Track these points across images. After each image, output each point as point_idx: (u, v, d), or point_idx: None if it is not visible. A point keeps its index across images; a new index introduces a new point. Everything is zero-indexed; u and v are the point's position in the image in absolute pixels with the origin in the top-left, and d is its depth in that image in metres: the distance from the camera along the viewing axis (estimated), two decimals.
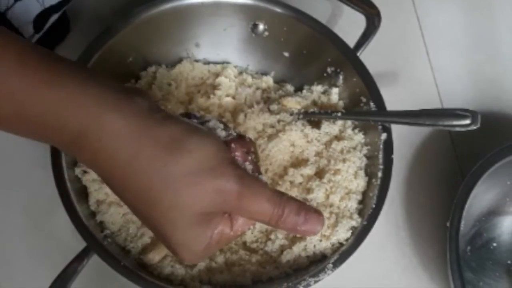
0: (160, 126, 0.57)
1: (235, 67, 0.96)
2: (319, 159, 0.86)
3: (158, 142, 0.57)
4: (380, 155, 0.83)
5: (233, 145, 0.64)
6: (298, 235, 0.81)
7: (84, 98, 0.55)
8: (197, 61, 0.96)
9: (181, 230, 0.59)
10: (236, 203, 0.59)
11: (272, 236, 0.82)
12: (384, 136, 0.83)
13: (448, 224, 0.85)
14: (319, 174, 0.86)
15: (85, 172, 0.80)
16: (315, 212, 0.63)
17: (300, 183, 0.85)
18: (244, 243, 0.83)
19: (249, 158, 0.65)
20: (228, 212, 0.62)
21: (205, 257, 0.64)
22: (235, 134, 0.66)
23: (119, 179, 0.59)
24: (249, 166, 0.64)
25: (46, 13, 0.87)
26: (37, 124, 0.56)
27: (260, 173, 0.66)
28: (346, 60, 0.88)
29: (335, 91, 0.92)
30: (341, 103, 0.92)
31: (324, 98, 0.92)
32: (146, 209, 0.59)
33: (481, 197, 0.93)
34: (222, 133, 0.65)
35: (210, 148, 0.58)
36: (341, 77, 0.90)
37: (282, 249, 0.82)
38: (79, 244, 0.74)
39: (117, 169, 0.58)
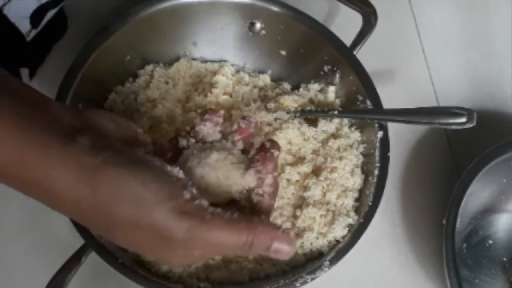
0: (100, 170, 0.55)
1: (232, 65, 0.97)
2: (316, 157, 0.87)
3: (97, 187, 0.55)
4: (377, 153, 0.84)
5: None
6: (301, 225, 0.82)
7: (22, 142, 0.53)
8: (194, 59, 0.96)
9: (153, 254, 0.60)
10: (191, 250, 0.58)
11: None
12: (380, 134, 0.84)
13: (444, 222, 0.85)
14: (316, 172, 0.86)
15: None
16: (286, 242, 0.61)
17: (297, 181, 0.85)
18: None
19: (275, 174, 0.66)
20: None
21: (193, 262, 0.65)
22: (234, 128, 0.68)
23: (76, 218, 0.59)
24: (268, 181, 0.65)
25: (43, 8, 0.88)
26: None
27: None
28: (342, 59, 0.89)
29: (331, 89, 0.92)
30: (337, 101, 0.92)
31: (320, 96, 0.93)
32: (115, 241, 0.59)
33: (477, 194, 0.93)
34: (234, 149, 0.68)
35: (154, 194, 0.56)
36: (337, 75, 0.91)
37: None
38: (78, 241, 0.74)
39: (65, 210, 0.57)
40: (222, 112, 0.74)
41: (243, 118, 0.71)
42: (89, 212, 0.56)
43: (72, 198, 0.55)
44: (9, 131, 0.53)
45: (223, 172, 0.65)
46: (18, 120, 0.54)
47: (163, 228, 0.56)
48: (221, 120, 0.71)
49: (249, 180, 0.66)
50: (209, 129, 0.69)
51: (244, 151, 0.70)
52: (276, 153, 0.68)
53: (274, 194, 0.67)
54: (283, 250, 0.61)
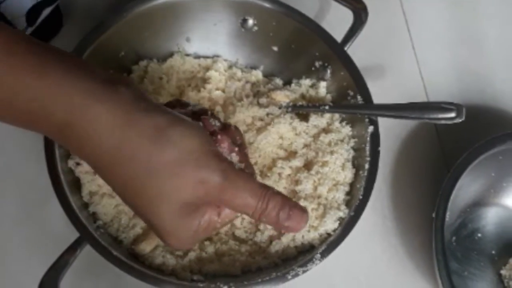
0: (144, 116, 0.57)
1: (225, 61, 0.97)
2: (307, 151, 0.87)
3: (142, 133, 0.56)
4: (367, 147, 0.84)
5: (219, 137, 0.64)
6: (282, 231, 0.82)
7: (69, 87, 0.55)
8: (187, 55, 0.96)
9: (167, 219, 0.59)
10: (219, 196, 0.59)
11: (261, 227, 0.83)
12: (371, 128, 0.84)
13: (433, 215, 0.86)
14: (307, 166, 0.87)
15: (78, 164, 0.80)
16: (300, 209, 0.62)
17: (289, 175, 0.86)
18: (234, 233, 0.84)
19: (235, 149, 0.65)
20: (212, 203, 0.61)
21: (193, 244, 0.64)
22: (219, 124, 0.67)
23: (105, 169, 0.59)
24: (235, 158, 0.64)
25: (39, 6, 0.88)
26: (23, 113, 0.56)
27: (248, 162, 0.67)
28: (333, 55, 0.89)
29: (323, 84, 0.93)
30: (328, 96, 0.93)
31: (312, 92, 0.93)
32: (133, 198, 0.60)
33: (466, 188, 0.93)
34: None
35: (194, 140, 0.58)
36: (328, 71, 0.91)
37: (271, 239, 0.82)
38: (72, 234, 0.74)
39: (102, 158, 0.58)
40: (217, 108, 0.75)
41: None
42: (127, 160, 0.57)
43: (113, 144, 0.56)
44: (54, 78, 0.55)
45: None
46: (63, 67, 0.56)
47: (205, 166, 0.58)
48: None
49: None
50: None
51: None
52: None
53: (248, 167, 0.67)
54: (295, 217, 0.62)
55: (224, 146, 0.64)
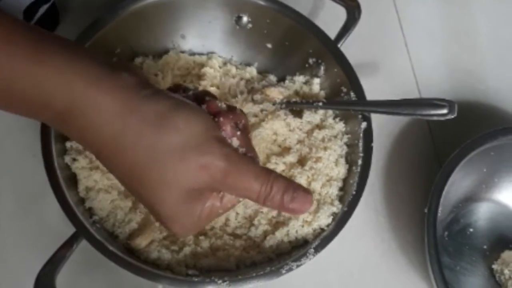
0: (146, 102, 0.57)
1: (220, 58, 0.97)
2: (301, 147, 0.88)
3: (144, 119, 0.57)
4: (360, 143, 0.84)
5: (221, 119, 0.63)
6: (287, 214, 0.83)
7: (69, 74, 0.55)
8: (183, 52, 0.96)
9: (170, 205, 0.59)
10: (223, 180, 0.59)
11: (256, 222, 0.83)
12: (364, 125, 0.85)
13: (426, 210, 0.86)
14: (301, 161, 0.87)
15: (74, 159, 0.80)
16: (304, 190, 0.63)
17: (283, 171, 0.86)
18: (228, 228, 0.84)
19: (237, 133, 0.64)
20: (215, 189, 0.61)
21: (196, 230, 0.64)
22: (224, 106, 0.66)
23: (107, 155, 0.59)
24: (235, 142, 0.63)
25: (36, 3, 0.88)
26: (23, 100, 0.56)
27: (251, 146, 0.67)
28: (327, 52, 0.89)
29: (316, 81, 0.93)
30: (322, 93, 0.93)
31: (306, 88, 0.93)
32: (135, 184, 0.60)
33: (458, 184, 0.94)
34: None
35: (197, 125, 0.59)
36: (322, 67, 0.92)
37: (265, 234, 0.83)
38: (69, 229, 0.74)
39: (104, 145, 0.58)
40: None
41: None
42: (129, 147, 0.57)
43: (114, 131, 0.56)
44: (54, 65, 0.55)
45: None
46: (63, 54, 0.56)
47: (208, 152, 0.58)
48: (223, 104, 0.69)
49: None
50: None
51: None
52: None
53: (251, 151, 0.66)
54: (300, 198, 0.62)
55: (226, 129, 0.63)
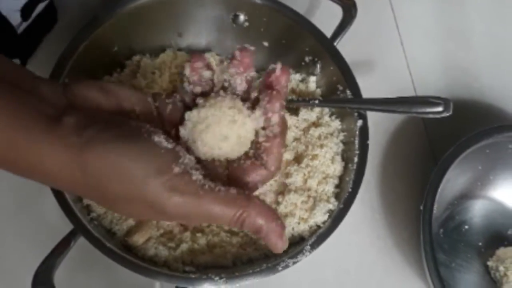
0: (86, 150, 0.55)
1: (217, 55, 0.97)
2: (297, 144, 0.88)
3: (85, 169, 0.56)
4: (356, 141, 0.84)
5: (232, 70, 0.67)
6: (283, 210, 0.83)
7: (11, 131, 0.55)
8: (180, 50, 0.96)
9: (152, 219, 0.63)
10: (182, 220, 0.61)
11: None
12: (360, 122, 0.85)
13: (421, 207, 0.87)
14: (298, 159, 0.87)
15: None
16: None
17: None
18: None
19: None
20: None
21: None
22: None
23: (82, 193, 0.63)
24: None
25: (34, 1, 0.88)
26: None
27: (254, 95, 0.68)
28: (323, 50, 0.90)
29: (312, 79, 0.93)
30: (318, 91, 0.93)
31: (302, 86, 0.94)
32: (121, 211, 0.63)
33: (454, 181, 0.94)
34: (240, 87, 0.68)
35: (142, 172, 0.56)
36: (318, 66, 0.92)
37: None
38: (66, 226, 0.74)
39: (70, 189, 0.62)
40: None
41: (240, 48, 0.69)
42: (83, 189, 0.58)
43: (65, 178, 0.56)
44: None
45: (228, 118, 0.63)
46: (4, 106, 0.54)
47: (155, 202, 0.56)
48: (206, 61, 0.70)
49: (256, 121, 0.65)
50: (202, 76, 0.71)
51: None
52: (283, 84, 0.67)
53: (283, 134, 0.66)
54: (272, 237, 0.61)
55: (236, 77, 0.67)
